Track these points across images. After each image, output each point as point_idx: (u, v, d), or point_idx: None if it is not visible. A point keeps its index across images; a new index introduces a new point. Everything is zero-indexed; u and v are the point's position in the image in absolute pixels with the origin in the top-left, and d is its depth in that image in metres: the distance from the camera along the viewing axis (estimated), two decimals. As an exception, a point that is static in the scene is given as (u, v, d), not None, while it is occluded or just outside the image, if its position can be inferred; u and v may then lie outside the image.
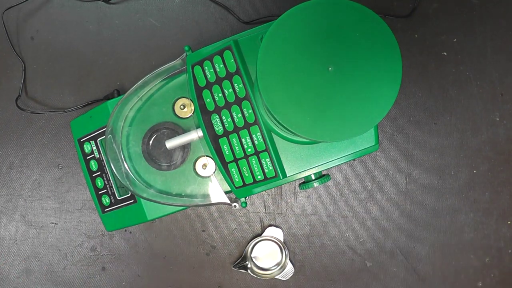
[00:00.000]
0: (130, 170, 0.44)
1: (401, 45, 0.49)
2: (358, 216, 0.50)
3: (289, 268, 0.49)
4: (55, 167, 0.52)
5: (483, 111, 0.49)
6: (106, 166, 0.46)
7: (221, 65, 0.39)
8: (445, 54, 0.49)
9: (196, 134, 0.42)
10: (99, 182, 0.47)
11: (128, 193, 0.46)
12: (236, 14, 0.50)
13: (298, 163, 0.40)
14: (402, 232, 0.50)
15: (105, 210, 0.47)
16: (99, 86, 0.52)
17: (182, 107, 0.43)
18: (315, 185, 0.40)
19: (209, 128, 0.41)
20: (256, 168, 0.40)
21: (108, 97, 0.49)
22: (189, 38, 0.51)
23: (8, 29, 0.52)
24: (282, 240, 0.50)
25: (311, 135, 0.31)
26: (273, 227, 0.50)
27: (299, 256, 0.51)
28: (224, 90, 0.39)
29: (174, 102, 0.44)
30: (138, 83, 0.43)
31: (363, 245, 0.50)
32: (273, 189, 0.50)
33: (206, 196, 0.43)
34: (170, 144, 0.43)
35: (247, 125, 0.39)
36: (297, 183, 0.50)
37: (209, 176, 0.43)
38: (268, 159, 0.39)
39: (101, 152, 0.47)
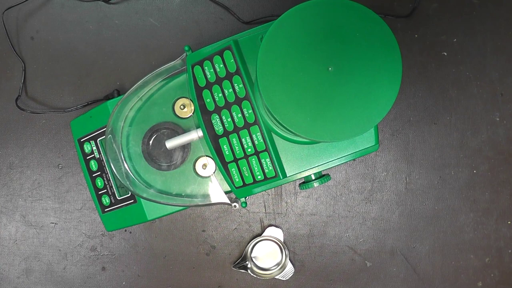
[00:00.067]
0: (130, 170, 0.44)
1: (401, 45, 0.49)
2: (358, 216, 0.50)
3: (289, 268, 0.49)
4: (55, 167, 0.52)
5: (483, 111, 0.49)
6: (106, 166, 0.46)
7: (221, 65, 0.39)
8: (445, 54, 0.49)
9: (196, 134, 0.42)
10: (99, 182, 0.47)
11: (128, 193, 0.46)
12: (236, 14, 0.50)
13: (298, 163, 0.40)
14: (402, 232, 0.50)
15: (105, 210, 0.47)
16: (99, 86, 0.52)
17: (182, 107, 0.43)
18: (315, 185, 0.40)
19: (209, 128, 0.41)
20: (256, 168, 0.40)
21: (108, 97, 0.49)
22: (189, 38, 0.51)
23: (8, 29, 0.52)
24: (282, 240, 0.50)
25: (311, 135, 0.31)
26: (273, 227, 0.50)
27: (299, 256, 0.51)
28: (224, 90, 0.39)
29: (174, 102, 0.44)
30: (138, 83, 0.43)
31: (363, 245, 0.50)
32: (273, 189, 0.50)
33: (206, 196, 0.43)
34: (170, 144, 0.43)
35: (247, 125, 0.39)
36: (297, 183, 0.50)
37: (209, 176, 0.43)
38: (268, 159, 0.39)
39: (101, 152, 0.47)
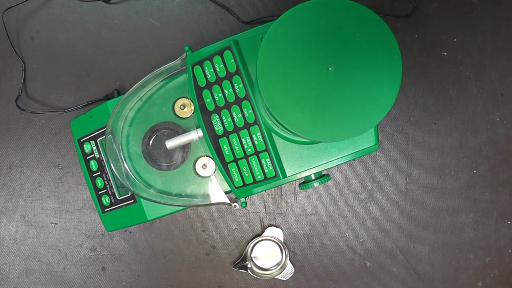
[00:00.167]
0: (130, 170, 0.44)
1: (401, 45, 0.49)
2: (358, 216, 0.50)
3: (289, 268, 0.49)
4: (55, 167, 0.52)
5: (483, 111, 0.49)
6: (106, 166, 0.46)
7: (221, 65, 0.39)
8: (445, 54, 0.49)
9: (196, 134, 0.42)
10: (99, 182, 0.47)
11: (128, 193, 0.46)
12: (236, 14, 0.50)
13: (298, 163, 0.40)
14: (402, 232, 0.50)
15: (105, 210, 0.47)
16: (99, 86, 0.52)
17: (182, 107, 0.43)
18: (315, 185, 0.40)
19: (209, 128, 0.41)
20: (256, 168, 0.40)
21: (108, 97, 0.49)
22: (189, 38, 0.51)
23: (8, 29, 0.52)
24: (282, 240, 0.50)
25: (311, 135, 0.31)
26: (273, 227, 0.50)
27: (299, 256, 0.51)
28: (224, 90, 0.39)
29: (174, 102, 0.44)
30: (138, 83, 0.43)
31: (363, 245, 0.50)
32: (273, 189, 0.50)
33: (206, 196, 0.43)
34: (170, 144, 0.43)
35: (247, 125, 0.39)
36: (297, 183, 0.50)
37: (209, 176, 0.43)
38: (268, 159, 0.39)
39: (101, 152, 0.47)
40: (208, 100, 0.40)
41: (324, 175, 0.41)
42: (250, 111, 0.39)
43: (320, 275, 0.50)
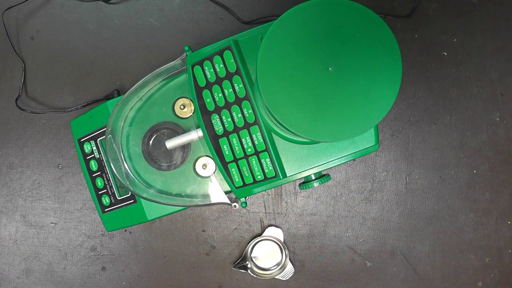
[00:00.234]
0: (130, 170, 0.44)
1: (401, 45, 0.49)
2: (358, 216, 0.50)
3: (289, 268, 0.49)
4: (55, 167, 0.52)
5: (483, 111, 0.49)
6: (106, 166, 0.46)
7: (221, 65, 0.39)
8: (445, 54, 0.49)
9: (196, 134, 0.42)
10: (99, 182, 0.47)
11: (128, 193, 0.46)
12: (236, 14, 0.50)
13: (298, 163, 0.40)
14: (402, 232, 0.50)
15: (105, 210, 0.47)
16: (99, 86, 0.52)
17: (182, 107, 0.43)
18: (315, 185, 0.40)
19: (209, 128, 0.41)
20: (256, 168, 0.40)
21: (108, 97, 0.49)
22: (189, 38, 0.51)
23: (8, 29, 0.52)
24: (282, 240, 0.50)
25: (311, 135, 0.31)
26: (273, 227, 0.50)
27: (299, 256, 0.51)
28: (224, 90, 0.39)
29: (174, 102, 0.44)
30: (138, 83, 0.43)
31: (363, 245, 0.50)
32: (273, 189, 0.50)
33: (206, 196, 0.43)
34: (170, 144, 0.43)
35: (247, 125, 0.39)
36: (297, 183, 0.50)
37: (209, 176, 0.43)
38: (268, 159, 0.39)
39: (101, 152, 0.47)
40: (208, 100, 0.40)
41: (324, 175, 0.41)
42: (250, 111, 0.39)
43: (320, 275, 0.50)
